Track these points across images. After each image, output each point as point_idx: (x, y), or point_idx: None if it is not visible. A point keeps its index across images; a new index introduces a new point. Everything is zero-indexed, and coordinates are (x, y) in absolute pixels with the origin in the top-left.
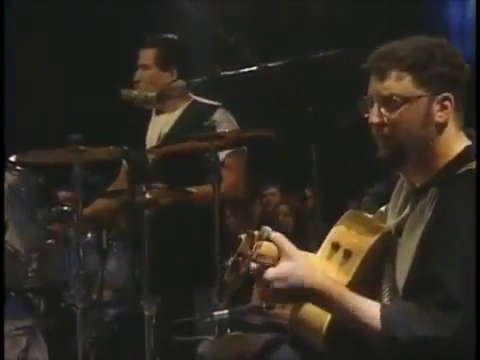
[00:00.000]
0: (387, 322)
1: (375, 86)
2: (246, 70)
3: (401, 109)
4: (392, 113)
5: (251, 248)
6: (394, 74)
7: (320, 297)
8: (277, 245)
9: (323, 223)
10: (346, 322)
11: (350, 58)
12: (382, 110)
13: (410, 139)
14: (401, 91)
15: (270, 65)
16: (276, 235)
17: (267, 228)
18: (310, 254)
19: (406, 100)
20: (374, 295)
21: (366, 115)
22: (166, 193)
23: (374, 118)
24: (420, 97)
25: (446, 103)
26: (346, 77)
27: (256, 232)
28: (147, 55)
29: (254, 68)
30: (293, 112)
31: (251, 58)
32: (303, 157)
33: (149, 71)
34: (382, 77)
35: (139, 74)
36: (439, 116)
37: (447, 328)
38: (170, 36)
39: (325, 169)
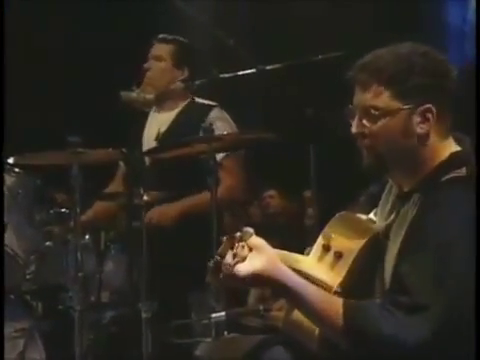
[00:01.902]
0: (349, 317)
1: (357, 97)
2: (245, 72)
3: (381, 121)
4: (373, 124)
5: (231, 249)
6: (374, 87)
7: (278, 286)
8: (253, 247)
9: (321, 225)
10: (309, 317)
11: (349, 60)
12: (364, 121)
13: (391, 150)
14: (380, 104)
15: (268, 68)
16: (254, 239)
17: (249, 229)
18: (301, 256)
19: (386, 113)
20: (365, 297)
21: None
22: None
23: (355, 128)
24: (400, 110)
25: (428, 115)
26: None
27: (238, 234)
28: (163, 48)
29: (253, 70)
30: (292, 114)
31: (250, 60)
32: (301, 159)
33: (162, 63)
34: (363, 89)
35: (151, 64)
36: (420, 128)
37: (408, 331)
38: (186, 40)
39: (324, 171)
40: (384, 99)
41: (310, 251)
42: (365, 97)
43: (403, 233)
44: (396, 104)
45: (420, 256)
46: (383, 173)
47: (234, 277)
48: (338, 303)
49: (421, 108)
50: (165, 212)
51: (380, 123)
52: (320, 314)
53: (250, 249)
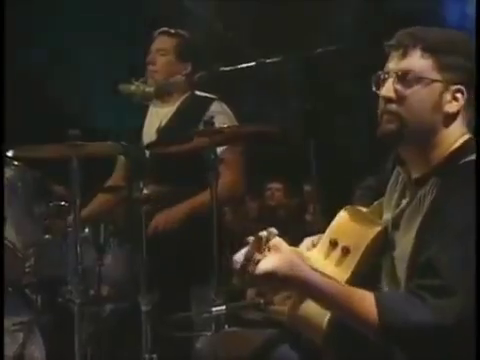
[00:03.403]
0: (382, 309)
1: (396, 61)
2: (244, 66)
3: (414, 88)
4: (405, 90)
5: (259, 251)
6: (417, 53)
7: (305, 286)
8: (272, 247)
9: (323, 219)
10: (339, 313)
11: (349, 54)
12: (396, 85)
13: (415, 119)
14: (419, 70)
15: (269, 61)
16: (276, 240)
17: (273, 230)
18: (308, 252)
19: (421, 80)
20: (373, 290)
21: (376, 90)
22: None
23: (386, 92)
24: (435, 81)
25: (458, 95)
26: (345, 73)
27: (264, 233)
28: (167, 42)
29: (252, 64)
30: (292, 107)
31: (250, 54)
32: (302, 152)
33: (166, 57)
34: (405, 53)
35: (154, 58)
36: (449, 106)
37: (442, 314)
38: (189, 34)
39: (325, 164)
40: (426, 65)
41: (316, 243)
42: (406, 61)
43: (420, 218)
44: (435, 74)
45: (448, 239)
46: (396, 142)
47: (255, 277)
48: (370, 297)
49: (454, 87)
50: (171, 217)
51: (412, 90)
52: (351, 310)
53: (269, 249)
